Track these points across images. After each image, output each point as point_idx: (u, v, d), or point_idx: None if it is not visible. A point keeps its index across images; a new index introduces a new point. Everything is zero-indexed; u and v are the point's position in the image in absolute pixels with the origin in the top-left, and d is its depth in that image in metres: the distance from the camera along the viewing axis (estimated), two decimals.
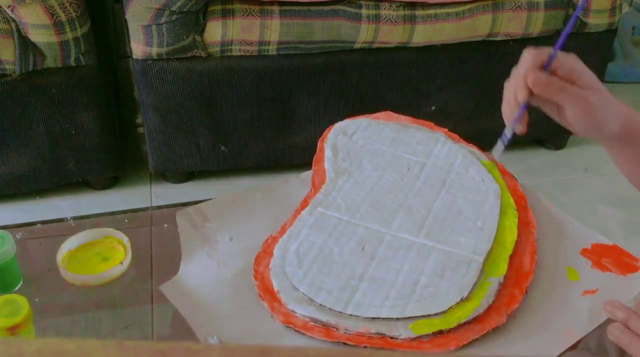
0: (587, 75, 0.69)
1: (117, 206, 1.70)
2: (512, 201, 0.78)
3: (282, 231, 0.77)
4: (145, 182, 1.82)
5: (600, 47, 1.80)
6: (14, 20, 1.45)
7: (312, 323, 0.66)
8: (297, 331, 0.66)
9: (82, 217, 0.86)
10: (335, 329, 0.65)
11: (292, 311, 0.67)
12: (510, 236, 0.74)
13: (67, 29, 1.48)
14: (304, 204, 0.80)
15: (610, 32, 1.78)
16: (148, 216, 0.89)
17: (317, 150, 0.87)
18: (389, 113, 0.93)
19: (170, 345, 0.29)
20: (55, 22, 1.46)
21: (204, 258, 0.77)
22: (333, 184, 0.81)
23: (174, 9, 1.47)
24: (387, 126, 0.91)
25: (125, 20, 1.53)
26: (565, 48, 0.69)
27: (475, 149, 0.88)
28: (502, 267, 0.70)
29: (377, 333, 0.64)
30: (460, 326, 0.65)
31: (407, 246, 0.72)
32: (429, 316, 0.65)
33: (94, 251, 0.79)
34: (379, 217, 0.76)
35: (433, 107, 1.78)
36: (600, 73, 1.87)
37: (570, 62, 0.69)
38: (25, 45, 1.47)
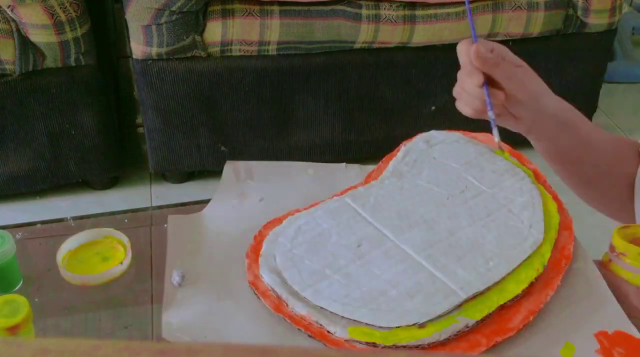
0: (512, 55, 0.76)
1: (117, 206, 1.71)
2: (546, 256, 0.71)
3: (308, 208, 0.79)
4: (145, 182, 1.82)
5: (600, 47, 1.80)
6: (14, 20, 1.45)
7: (270, 292, 0.69)
8: (256, 295, 0.69)
9: (82, 217, 0.85)
10: (285, 305, 0.67)
11: (261, 275, 0.70)
12: (514, 287, 0.68)
13: (67, 29, 1.48)
14: (343, 192, 0.80)
15: (610, 32, 1.78)
16: (148, 216, 0.88)
17: (395, 149, 0.86)
18: (489, 135, 0.86)
19: (170, 345, 0.29)
20: (55, 22, 1.46)
21: (227, 209, 0.80)
22: (379, 183, 0.81)
23: (174, 9, 1.47)
24: (475, 147, 0.85)
25: (125, 20, 1.53)
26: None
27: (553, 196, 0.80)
28: (480, 312, 0.66)
29: (317, 322, 0.65)
30: (397, 347, 0.63)
31: (401, 258, 0.71)
32: (373, 326, 0.64)
33: (94, 251, 0.78)
34: (395, 225, 0.74)
35: (433, 107, 1.78)
36: (600, 73, 1.87)
37: (494, 45, 0.75)
38: (25, 45, 1.47)
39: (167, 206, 0.90)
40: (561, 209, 0.77)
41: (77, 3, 1.48)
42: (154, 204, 1.71)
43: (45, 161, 1.64)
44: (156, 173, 1.79)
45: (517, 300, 0.68)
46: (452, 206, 0.77)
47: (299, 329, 0.66)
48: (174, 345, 0.29)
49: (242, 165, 0.87)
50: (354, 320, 0.65)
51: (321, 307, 0.66)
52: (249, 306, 0.69)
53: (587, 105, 1.90)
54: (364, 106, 1.74)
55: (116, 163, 1.74)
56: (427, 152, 0.84)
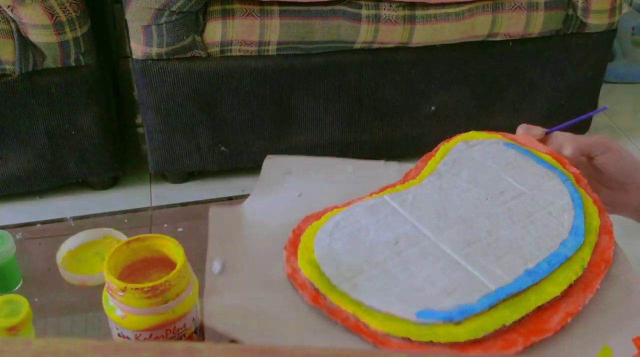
0: (596, 146, 0.77)
1: (117, 206, 1.71)
2: (586, 260, 0.71)
3: (346, 204, 0.78)
4: (145, 182, 1.82)
5: (600, 47, 1.80)
6: (13, 20, 1.45)
7: (308, 285, 0.69)
8: (294, 287, 0.69)
9: (82, 217, 0.85)
10: (322, 298, 0.67)
11: (299, 268, 0.70)
12: (553, 289, 0.68)
13: (67, 29, 1.48)
14: (382, 190, 0.80)
15: (610, 32, 1.78)
16: (148, 215, 0.89)
17: (434, 149, 0.87)
18: (529, 137, 0.87)
19: (171, 345, 0.29)
20: (55, 22, 1.46)
21: (267, 203, 0.80)
22: (418, 181, 0.81)
23: (173, 9, 1.47)
24: (514, 148, 0.85)
25: (125, 20, 1.53)
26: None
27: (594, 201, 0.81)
28: (517, 312, 0.66)
29: (354, 315, 0.65)
30: (434, 344, 0.63)
31: (439, 256, 0.71)
32: (410, 321, 0.64)
33: (94, 251, 0.79)
34: (433, 223, 0.74)
35: (433, 107, 1.78)
36: (600, 73, 1.87)
37: (576, 151, 0.78)
38: (25, 45, 1.47)
39: (167, 206, 0.90)
40: (601, 212, 0.77)
41: (77, 3, 1.48)
42: (153, 204, 1.71)
43: (45, 161, 1.64)
44: (156, 173, 1.79)
45: (555, 302, 0.68)
46: (491, 207, 0.76)
47: (335, 321, 0.66)
48: (174, 345, 0.29)
49: (281, 160, 0.88)
50: (391, 315, 0.65)
51: (358, 301, 0.66)
52: (288, 297, 0.70)
53: (587, 106, 1.90)
54: (364, 106, 1.74)
55: (116, 163, 1.74)
56: (467, 153, 0.84)
